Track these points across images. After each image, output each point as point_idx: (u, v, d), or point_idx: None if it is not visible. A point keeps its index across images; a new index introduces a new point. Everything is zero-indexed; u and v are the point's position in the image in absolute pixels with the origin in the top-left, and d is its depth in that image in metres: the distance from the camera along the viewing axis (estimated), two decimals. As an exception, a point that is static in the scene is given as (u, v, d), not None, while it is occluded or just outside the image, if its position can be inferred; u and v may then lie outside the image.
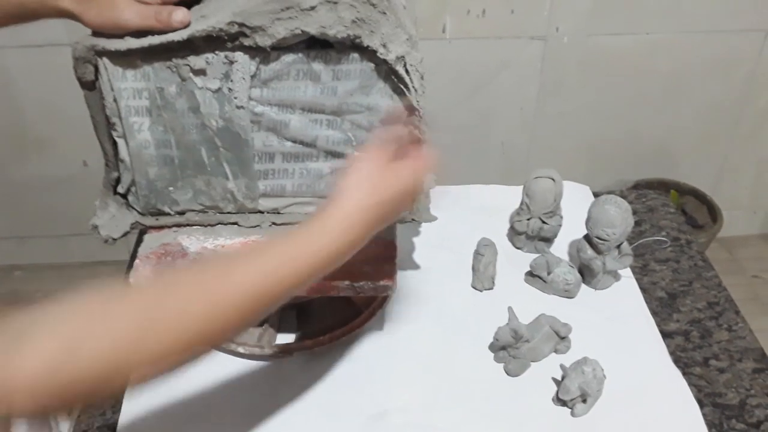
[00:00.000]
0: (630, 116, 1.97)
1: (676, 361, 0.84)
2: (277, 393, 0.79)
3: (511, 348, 0.79)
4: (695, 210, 2.06)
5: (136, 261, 0.77)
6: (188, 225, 0.81)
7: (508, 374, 0.80)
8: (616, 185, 2.05)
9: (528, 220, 0.95)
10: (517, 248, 0.99)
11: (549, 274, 0.90)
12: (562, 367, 0.77)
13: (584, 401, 0.76)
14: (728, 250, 2.20)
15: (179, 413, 0.76)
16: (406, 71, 0.71)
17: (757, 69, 1.91)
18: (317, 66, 0.71)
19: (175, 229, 0.81)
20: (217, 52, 0.70)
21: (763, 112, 2.00)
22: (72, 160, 1.90)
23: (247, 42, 0.69)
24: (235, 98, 0.72)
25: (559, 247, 0.99)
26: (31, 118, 1.82)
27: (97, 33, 0.70)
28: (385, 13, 0.69)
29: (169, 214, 0.80)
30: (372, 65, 0.71)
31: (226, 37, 0.69)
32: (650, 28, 1.81)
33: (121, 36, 0.69)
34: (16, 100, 1.78)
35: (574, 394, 0.75)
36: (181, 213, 0.80)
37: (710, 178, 2.12)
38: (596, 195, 0.98)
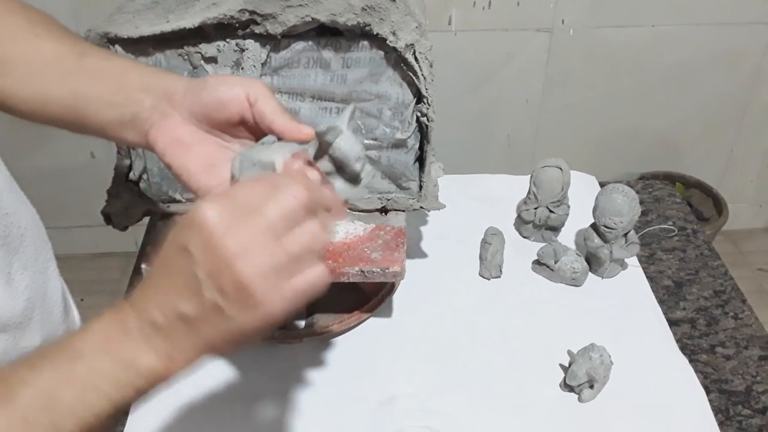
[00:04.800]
0: (636, 109, 1.97)
1: (683, 348, 0.84)
2: (287, 379, 0.79)
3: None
4: (701, 203, 2.06)
5: (149, 247, 0.78)
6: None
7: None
8: (622, 178, 2.06)
9: (535, 209, 0.96)
10: (524, 237, 1.00)
11: (556, 262, 0.91)
12: (569, 353, 0.78)
13: (591, 387, 0.77)
14: (734, 243, 2.20)
15: (187, 395, 0.77)
16: (416, 59, 0.72)
17: (763, 62, 1.91)
18: (327, 54, 0.72)
19: (185, 216, 0.81)
20: (228, 39, 0.71)
21: (768, 106, 2.01)
22: (79, 152, 1.91)
23: (258, 29, 0.69)
24: (246, 86, 0.73)
25: (566, 236, 0.99)
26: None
27: None
28: (394, 1, 0.69)
29: (180, 201, 0.81)
30: (381, 53, 0.72)
31: (237, 25, 0.69)
32: (656, 20, 1.82)
33: None
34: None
35: (581, 379, 0.76)
36: (192, 200, 0.81)
37: (716, 171, 2.12)
38: (602, 185, 0.98)
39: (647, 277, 0.94)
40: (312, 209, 0.43)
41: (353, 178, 0.51)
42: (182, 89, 0.53)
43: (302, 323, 0.87)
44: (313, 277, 0.43)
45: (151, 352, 0.42)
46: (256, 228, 0.41)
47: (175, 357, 0.42)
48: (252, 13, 0.68)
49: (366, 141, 0.77)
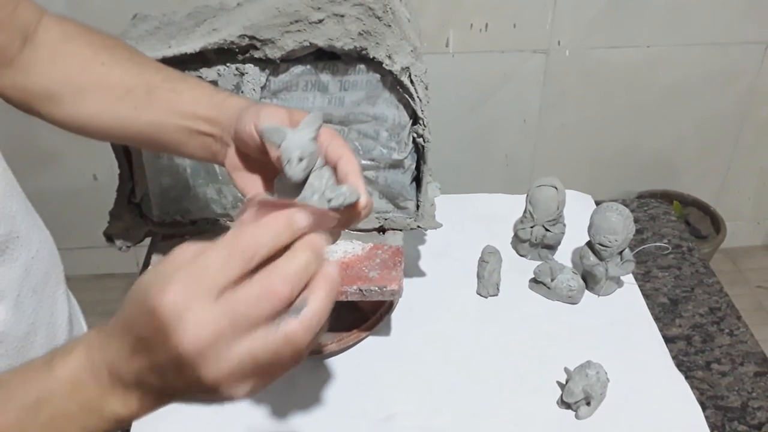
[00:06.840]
0: (632, 128, 1.99)
1: (679, 365, 0.85)
2: (285, 396, 0.80)
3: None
4: (699, 221, 2.07)
5: (150, 269, 0.79)
6: (200, 233, 0.83)
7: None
8: (620, 197, 2.07)
9: (531, 227, 0.97)
10: (521, 255, 1.01)
11: (552, 280, 0.92)
12: (566, 370, 0.78)
13: (588, 404, 0.77)
14: (732, 261, 2.21)
15: (187, 411, 0.77)
16: (411, 81, 0.73)
17: (757, 80, 1.94)
18: (325, 77, 0.74)
19: (187, 237, 0.83)
20: (228, 64, 0.73)
21: (764, 124, 2.02)
22: (82, 174, 1.93)
23: (257, 54, 0.71)
24: (246, 109, 0.74)
25: (563, 255, 1.00)
26: (42, 131, 1.85)
27: None
28: (390, 26, 0.71)
29: (181, 222, 0.82)
30: (378, 76, 0.74)
31: (237, 50, 0.71)
32: (651, 40, 1.84)
33: None
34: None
35: (578, 396, 0.76)
36: (194, 221, 0.82)
37: (713, 189, 2.13)
38: (598, 204, 0.99)
39: (643, 294, 0.95)
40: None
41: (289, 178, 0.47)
42: (235, 121, 0.55)
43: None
44: (247, 392, 0.40)
45: (117, 400, 0.41)
46: (222, 323, 0.38)
47: (142, 406, 0.41)
48: (251, 38, 0.70)
49: (363, 162, 0.79)
